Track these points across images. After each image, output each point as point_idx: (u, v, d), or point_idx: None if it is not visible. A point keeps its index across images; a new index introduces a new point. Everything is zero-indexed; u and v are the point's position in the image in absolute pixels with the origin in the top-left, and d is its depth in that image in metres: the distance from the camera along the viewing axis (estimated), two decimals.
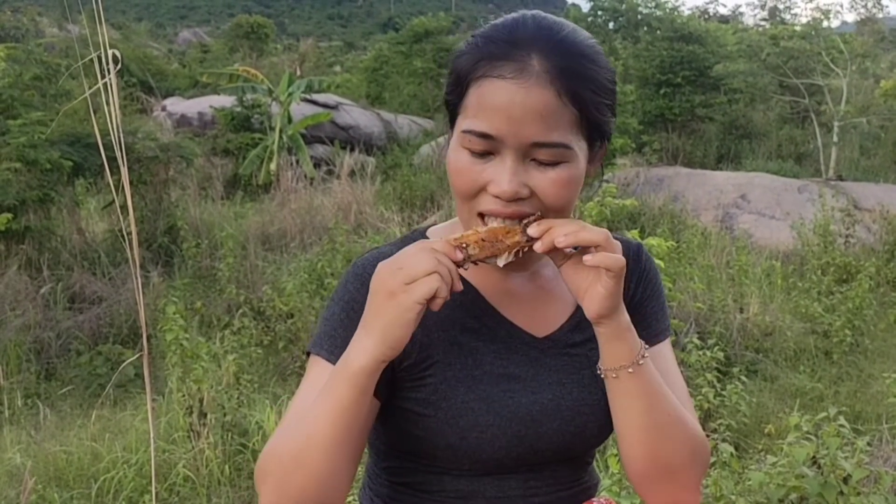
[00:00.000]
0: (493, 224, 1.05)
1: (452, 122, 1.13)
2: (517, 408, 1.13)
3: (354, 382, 1.00)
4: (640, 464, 1.14)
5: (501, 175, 1.04)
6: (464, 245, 1.02)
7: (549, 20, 1.08)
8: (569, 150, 1.05)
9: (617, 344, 1.09)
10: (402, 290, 0.97)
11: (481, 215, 1.08)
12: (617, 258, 1.03)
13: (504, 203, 1.05)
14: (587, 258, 1.03)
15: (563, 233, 1.02)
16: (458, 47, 1.12)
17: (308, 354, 1.16)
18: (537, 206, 1.06)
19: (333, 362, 1.10)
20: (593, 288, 1.05)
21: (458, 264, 1.02)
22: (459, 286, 1.01)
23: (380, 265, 1.02)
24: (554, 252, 1.05)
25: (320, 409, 1.02)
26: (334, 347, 1.11)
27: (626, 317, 1.09)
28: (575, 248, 1.06)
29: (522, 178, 1.05)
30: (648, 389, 1.11)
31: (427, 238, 1.22)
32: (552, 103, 1.03)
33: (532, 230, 1.04)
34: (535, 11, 1.11)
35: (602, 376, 1.13)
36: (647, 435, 1.11)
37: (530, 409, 1.14)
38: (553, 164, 1.05)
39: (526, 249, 1.05)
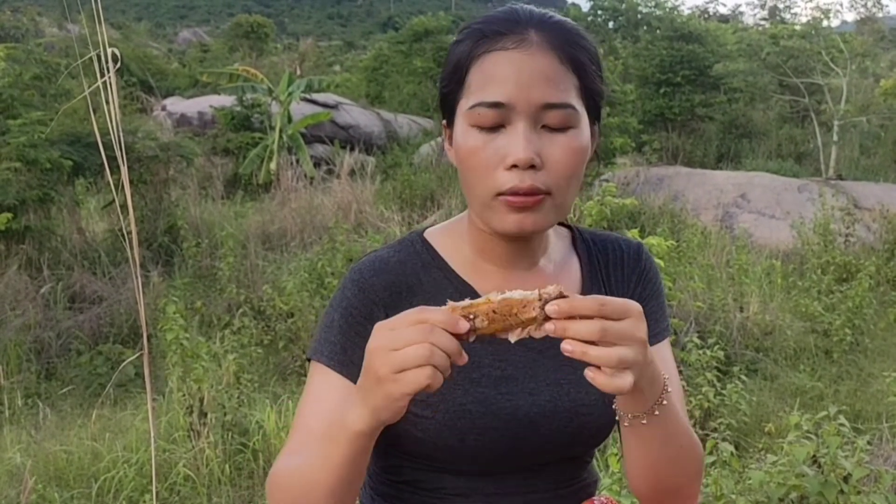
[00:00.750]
0: (511, 295, 0.92)
1: (450, 117, 1.12)
2: (515, 410, 1.13)
3: (354, 442, 0.99)
4: (648, 489, 1.14)
5: (516, 143, 1.04)
6: (471, 316, 0.92)
7: (540, 9, 1.12)
8: (576, 111, 1.07)
9: (640, 395, 1.02)
10: (391, 379, 0.90)
11: (499, 196, 1.06)
12: (618, 385, 0.93)
13: (520, 175, 1.04)
14: (587, 373, 0.94)
15: (582, 331, 0.91)
16: (453, 40, 1.13)
17: (309, 360, 1.17)
18: (548, 177, 1.06)
19: (334, 368, 1.12)
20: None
21: (462, 338, 0.92)
22: (462, 361, 0.92)
23: (375, 329, 0.93)
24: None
25: (322, 460, 1.02)
26: (334, 354, 1.12)
27: (655, 366, 1.01)
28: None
29: (536, 145, 1.05)
30: (668, 426, 1.06)
31: (426, 240, 1.21)
32: (556, 67, 1.06)
33: (551, 308, 0.91)
34: (522, 4, 1.14)
35: (622, 422, 1.07)
36: (659, 466, 1.10)
37: (528, 411, 1.14)
38: (562, 129, 1.06)
39: (539, 326, 0.93)
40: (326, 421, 1.07)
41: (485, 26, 1.08)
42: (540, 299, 0.91)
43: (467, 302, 0.93)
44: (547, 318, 0.92)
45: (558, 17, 1.11)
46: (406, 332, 0.90)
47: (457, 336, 0.91)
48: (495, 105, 1.04)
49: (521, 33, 1.06)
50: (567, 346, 0.91)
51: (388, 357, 0.90)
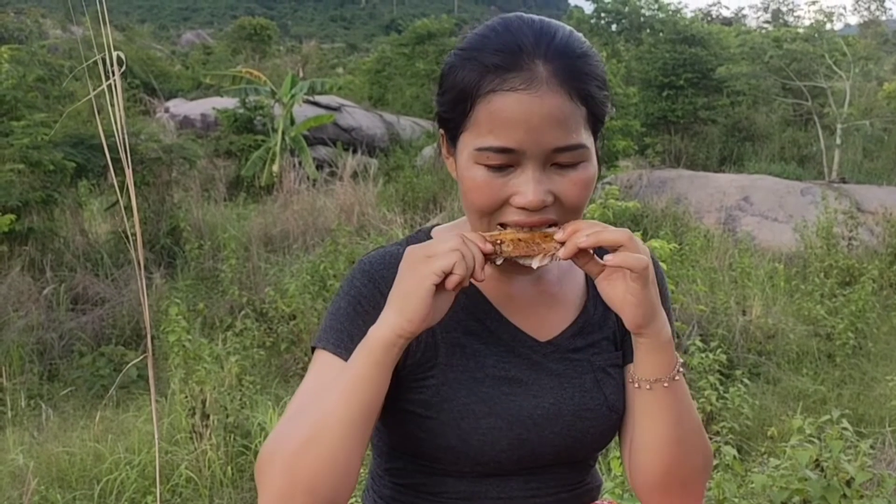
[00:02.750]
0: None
1: (451, 138, 1.10)
2: (518, 411, 1.13)
3: (371, 354, 1.01)
4: (656, 476, 1.14)
5: (526, 186, 1.03)
6: (498, 241, 1.04)
7: (538, 22, 1.07)
8: (586, 149, 1.06)
9: (656, 356, 1.09)
10: (422, 262, 1.00)
11: (503, 225, 1.07)
12: (639, 257, 1.02)
13: (528, 214, 1.05)
14: (608, 258, 1.02)
15: (584, 234, 1.02)
16: (448, 61, 1.09)
17: (314, 350, 1.15)
18: (559, 210, 1.06)
19: (340, 355, 1.10)
20: (626, 297, 1.05)
21: (488, 256, 1.03)
22: (482, 275, 1.02)
23: (411, 247, 1.05)
24: (587, 263, 1.06)
25: (337, 387, 1.03)
26: (340, 341, 1.11)
27: (668, 329, 1.09)
28: (601, 258, 1.06)
29: (546, 185, 1.04)
30: (681, 402, 1.11)
31: (431, 238, 1.22)
32: (566, 106, 1.03)
33: (558, 235, 1.04)
34: (517, 14, 1.09)
35: (636, 386, 1.12)
36: (671, 447, 1.12)
37: (532, 413, 1.13)
38: (573, 165, 1.05)
39: (556, 256, 1.05)
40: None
41: (488, 57, 1.03)
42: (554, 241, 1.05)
43: (496, 231, 1.06)
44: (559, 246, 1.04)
45: (560, 33, 1.06)
46: (441, 237, 1.06)
47: (484, 255, 1.03)
48: (505, 150, 1.03)
49: (529, 69, 1.01)
50: (582, 239, 1.02)
51: (424, 248, 1.03)
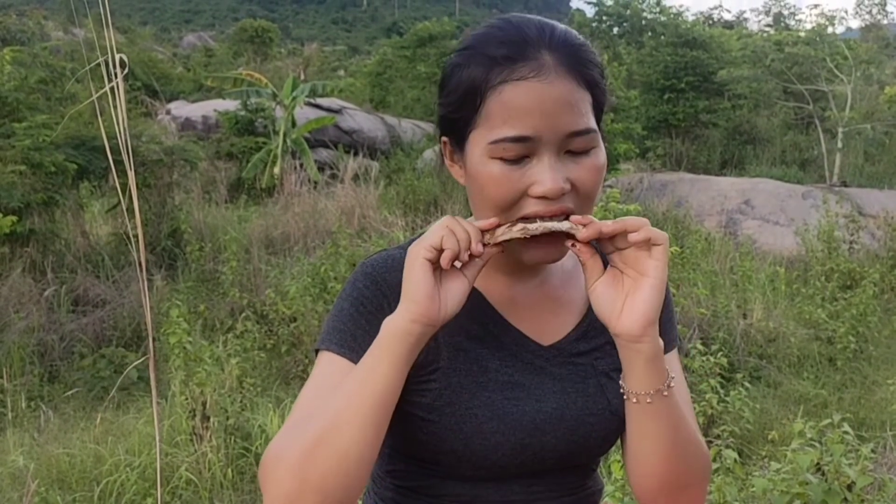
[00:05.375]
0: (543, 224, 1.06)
1: (458, 140, 1.10)
2: (521, 415, 1.13)
3: (384, 346, 1.02)
4: (654, 485, 1.13)
5: (544, 174, 1.03)
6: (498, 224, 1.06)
7: (536, 18, 1.09)
8: (596, 133, 1.07)
9: (652, 366, 1.07)
10: (415, 247, 1.03)
11: (524, 219, 1.06)
12: (662, 232, 1.04)
13: (548, 203, 1.04)
14: (633, 236, 1.03)
15: (606, 222, 1.04)
16: (451, 62, 1.09)
17: (316, 353, 1.14)
18: (575, 198, 1.06)
19: (345, 355, 1.09)
20: (636, 294, 1.04)
21: (486, 231, 1.05)
22: (479, 249, 1.03)
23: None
24: (585, 256, 1.06)
25: (350, 383, 1.03)
26: (344, 341, 1.10)
27: (660, 339, 1.08)
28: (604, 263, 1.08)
29: (563, 172, 1.04)
30: (674, 413, 1.10)
31: None
32: (576, 92, 1.04)
33: (575, 218, 1.04)
34: (512, 15, 1.11)
35: (633, 401, 1.10)
36: (666, 459, 1.11)
37: (534, 417, 1.13)
38: (586, 151, 1.06)
39: (570, 245, 1.06)
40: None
41: (495, 50, 1.04)
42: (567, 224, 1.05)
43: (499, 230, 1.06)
44: (570, 228, 1.04)
45: (559, 27, 1.08)
46: (436, 225, 1.05)
47: (483, 231, 1.06)
48: (521, 139, 1.03)
49: (536, 58, 1.03)
50: (607, 223, 1.05)
51: (419, 240, 1.04)
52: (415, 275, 1.02)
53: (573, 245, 1.05)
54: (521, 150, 1.04)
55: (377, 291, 1.13)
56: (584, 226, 1.03)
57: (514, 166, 1.04)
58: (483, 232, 1.05)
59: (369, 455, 1.01)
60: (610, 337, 1.20)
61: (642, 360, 1.06)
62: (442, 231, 1.02)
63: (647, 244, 1.03)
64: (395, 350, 1.01)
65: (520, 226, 1.04)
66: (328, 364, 1.10)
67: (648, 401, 1.08)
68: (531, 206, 1.05)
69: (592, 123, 1.06)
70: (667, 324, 1.24)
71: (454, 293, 1.04)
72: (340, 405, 1.00)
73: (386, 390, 1.01)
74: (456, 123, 1.10)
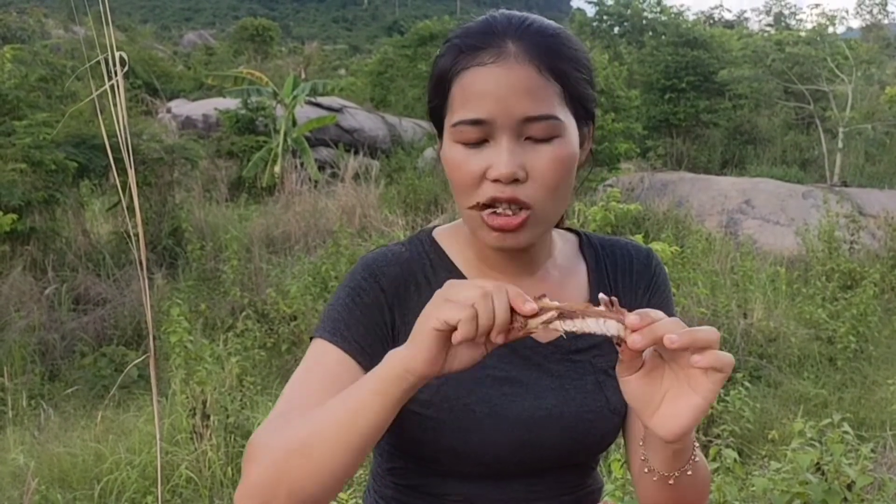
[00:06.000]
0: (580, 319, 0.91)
1: (440, 128, 1.12)
2: (520, 412, 1.12)
3: (378, 382, 0.95)
4: None
5: (498, 157, 1.03)
6: (543, 304, 0.90)
7: (515, 14, 1.10)
8: (559, 122, 1.05)
9: (681, 454, 1.02)
10: (438, 303, 0.91)
11: (482, 207, 1.06)
12: (728, 356, 0.89)
13: (502, 187, 1.04)
14: (697, 359, 0.87)
15: (671, 329, 0.87)
16: (436, 54, 1.13)
17: (311, 341, 1.15)
18: (531, 189, 1.05)
19: (336, 343, 1.09)
20: (682, 400, 0.92)
21: (526, 317, 0.89)
22: (499, 340, 0.90)
23: (450, 281, 0.95)
24: (628, 356, 0.92)
25: (340, 409, 0.98)
26: (336, 330, 1.10)
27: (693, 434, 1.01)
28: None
29: (519, 158, 1.04)
30: (696, 477, 1.07)
31: (434, 240, 1.22)
32: (534, 78, 1.04)
33: (632, 319, 0.87)
34: (499, 10, 1.13)
35: (653, 478, 1.06)
36: (680, 498, 1.11)
37: (532, 414, 1.13)
38: (547, 139, 1.05)
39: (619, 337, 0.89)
40: (320, 388, 1.04)
41: (462, 40, 1.07)
42: (614, 307, 0.89)
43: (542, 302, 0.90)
44: (619, 328, 0.88)
45: (539, 22, 1.09)
46: (474, 282, 0.91)
47: (523, 315, 0.89)
48: (476, 122, 1.04)
49: (499, 46, 1.04)
50: (672, 337, 0.86)
51: (448, 289, 0.92)
52: (422, 336, 0.92)
53: (618, 344, 0.91)
54: (479, 134, 1.04)
55: (375, 284, 1.13)
56: (638, 331, 0.87)
57: (474, 150, 1.05)
58: (514, 313, 0.90)
59: (344, 475, 0.99)
60: None
61: (671, 451, 1.02)
62: (466, 312, 0.88)
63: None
64: (390, 391, 0.95)
65: (558, 323, 0.90)
66: (320, 352, 1.10)
67: (671, 482, 1.05)
68: (488, 191, 1.05)
69: (554, 110, 1.05)
70: (665, 303, 1.24)
71: (463, 358, 0.95)
72: (327, 425, 0.97)
73: (375, 426, 0.96)
74: (433, 112, 1.13)
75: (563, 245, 1.24)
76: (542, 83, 1.04)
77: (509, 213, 1.05)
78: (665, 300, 1.26)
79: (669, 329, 0.87)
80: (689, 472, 1.03)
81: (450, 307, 0.89)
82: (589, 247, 1.26)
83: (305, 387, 1.07)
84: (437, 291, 0.93)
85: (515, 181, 1.04)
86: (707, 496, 1.15)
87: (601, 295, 0.92)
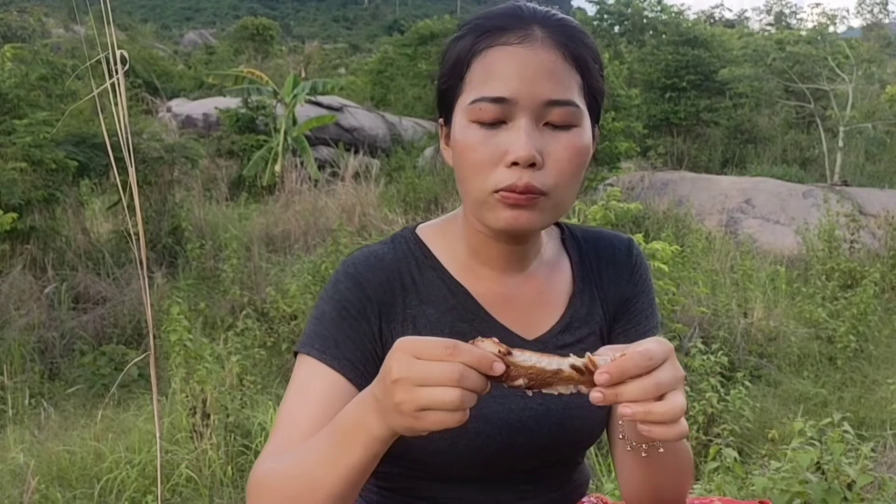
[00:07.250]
0: (539, 363, 0.88)
1: (448, 114, 1.11)
2: (507, 414, 1.12)
3: (369, 447, 0.92)
4: (650, 500, 1.14)
5: (518, 140, 1.02)
6: (511, 362, 0.86)
7: (540, 7, 1.11)
8: (579, 109, 1.05)
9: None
10: (414, 417, 0.84)
11: (495, 193, 1.03)
12: (680, 432, 0.87)
13: (519, 172, 1.02)
14: (643, 428, 0.88)
15: (637, 392, 0.85)
16: (449, 40, 1.11)
17: (296, 355, 1.14)
18: (546, 176, 1.04)
19: (326, 362, 1.08)
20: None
21: (500, 379, 0.86)
22: (485, 391, 0.87)
23: (398, 349, 0.85)
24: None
25: (325, 452, 0.95)
26: (326, 347, 1.09)
27: None
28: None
29: (538, 143, 1.03)
30: (680, 448, 1.10)
31: (419, 238, 1.20)
32: (559, 63, 1.04)
33: (601, 379, 0.86)
34: (525, 1, 1.13)
35: (628, 448, 1.07)
36: (666, 481, 1.12)
37: (520, 415, 1.12)
38: (565, 126, 1.04)
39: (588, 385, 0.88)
40: (314, 415, 1.03)
41: (487, 21, 1.06)
42: (575, 372, 0.87)
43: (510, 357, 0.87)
44: (588, 374, 0.87)
45: (561, 14, 1.09)
46: (436, 369, 0.82)
47: (494, 378, 0.85)
48: (498, 100, 1.02)
49: (525, 29, 1.04)
50: (627, 410, 0.86)
51: (414, 393, 0.83)
52: (397, 425, 0.88)
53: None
54: (497, 113, 1.03)
55: (360, 294, 1.11)
56: (601, 393, 0.87)
57: (491, 130, 1.03)
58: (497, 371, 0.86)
59: (353, 496, 0.99)
60: (593, 327, 1.20)
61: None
62: (455, 418, 0.83)
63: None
64: (376, 449, 0.93)
65: (528, 391, 0.89)
66: (310, 372, 1.09)
67: (644, 454, 1.04)
68: (503, 176, 1.02)
69: (575, 98, 1.05)
70: (648, 309, 1.24)
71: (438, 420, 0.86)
72: (313, 467, 0.96)
73: (361, 468, 0.94)
74: (444, 95, 1.11)
75: (548, 240, 1.24)
76: (565, 69, 1.04)
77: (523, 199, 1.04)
78: (646, 287, 1.26)
79: (632, 395, 0.85)
80: (661, 450, 1.01)
81: (440, 416, 0.83)
82: (571, 240, 1.26)
83: (301, 412, 1.06)
84: (393, 364, 0.84)
85: (532, 166, 1.02)
86: (688, 483, 1.15)
87: (587, 355, 0.88)
